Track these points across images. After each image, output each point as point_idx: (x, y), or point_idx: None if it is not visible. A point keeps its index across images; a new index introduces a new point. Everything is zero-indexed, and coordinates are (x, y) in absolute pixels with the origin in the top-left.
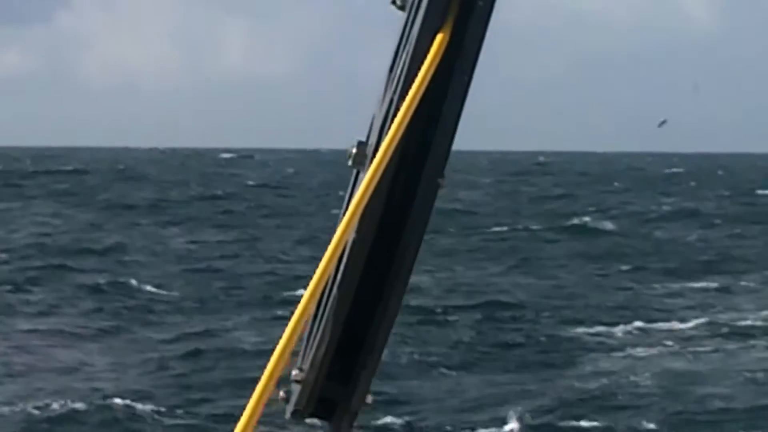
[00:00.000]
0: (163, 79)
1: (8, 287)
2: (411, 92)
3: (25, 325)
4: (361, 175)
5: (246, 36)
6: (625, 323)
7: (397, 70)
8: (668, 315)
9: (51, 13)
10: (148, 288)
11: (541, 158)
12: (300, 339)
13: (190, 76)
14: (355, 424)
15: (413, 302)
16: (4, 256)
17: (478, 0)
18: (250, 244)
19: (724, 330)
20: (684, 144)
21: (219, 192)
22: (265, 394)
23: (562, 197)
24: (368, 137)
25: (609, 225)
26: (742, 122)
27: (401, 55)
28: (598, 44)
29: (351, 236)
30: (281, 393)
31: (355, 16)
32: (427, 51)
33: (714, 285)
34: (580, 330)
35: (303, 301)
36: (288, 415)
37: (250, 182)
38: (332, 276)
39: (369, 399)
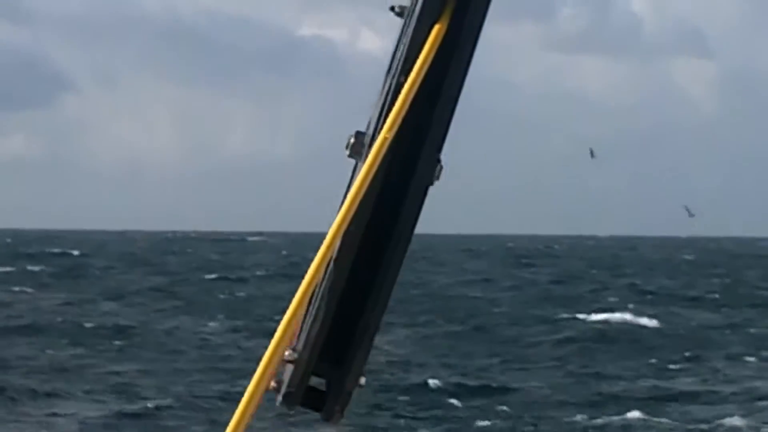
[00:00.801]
0: (167, 162)
1: None
2: (408, 83)
3: None
4: (359, 165)
5: (249, 120)
6: None
7: (394, 63)
8: None
9: (55, 98)
10: None
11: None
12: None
13: (194, 160)
14: (347, 408)
15: None
16: None
17: None
18: None
19: None
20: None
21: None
22: (263, 383)
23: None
24: (367, 128)
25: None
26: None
27: (399, 48)
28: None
29: (347, 223)
30: (272, 383)
31: (353, 106)
32: (424, 42)
33: None
34: None
35: (300, 291)
36: (279, 400)
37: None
38: (328, 262)
39: (362, 380)
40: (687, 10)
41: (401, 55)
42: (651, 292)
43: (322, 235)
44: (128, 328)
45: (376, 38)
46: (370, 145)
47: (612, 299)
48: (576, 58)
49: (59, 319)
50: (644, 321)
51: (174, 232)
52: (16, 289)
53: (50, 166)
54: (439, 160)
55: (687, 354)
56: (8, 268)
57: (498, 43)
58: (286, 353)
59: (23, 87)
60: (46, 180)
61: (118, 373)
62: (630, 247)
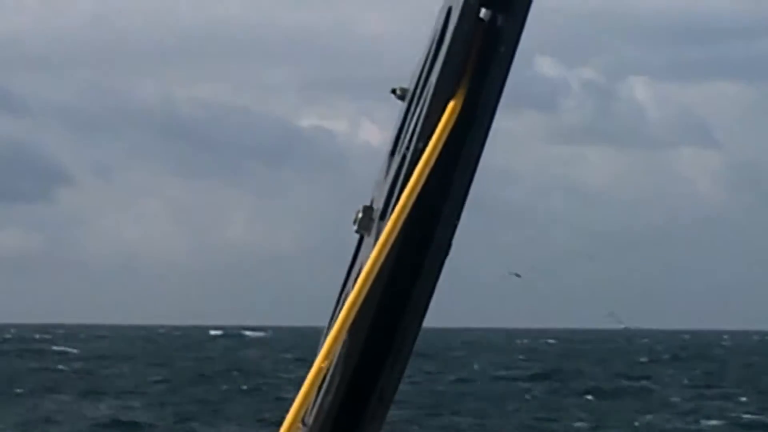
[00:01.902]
0: (163, 256)
1: None
2: (423, 158)
3: None
4: (366, 239)
5: (248, 213)
6: None
7: (399, 143)
8: None
9: (52, 192)
10: None
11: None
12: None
13: (192, 253)
14: None
15: None
16: None
17: (492, 68)
18: None
19: None
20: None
21: None
22: None
23: None
24: (372, 202)
25: None
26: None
27: (403, 129)
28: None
29: (363, 296)
30: None
31: (353, 200)
32: (440, 118)
33: None
34: None
35: (314, 366)
36: None
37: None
38: (342, 337)
39: None
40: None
41: (414, 131)
42: None
43: (322, 330)
44: None
45: (376, 129)
46: (380, 219)
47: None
48: (579, 149)
49: None
50: None
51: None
52: None
53: (45, 260)
54: (453, 233)
55: None
56: None
57: (500, 131)
58: (300, 426)
59: (16, 179)
60: (41, 274)
61: None
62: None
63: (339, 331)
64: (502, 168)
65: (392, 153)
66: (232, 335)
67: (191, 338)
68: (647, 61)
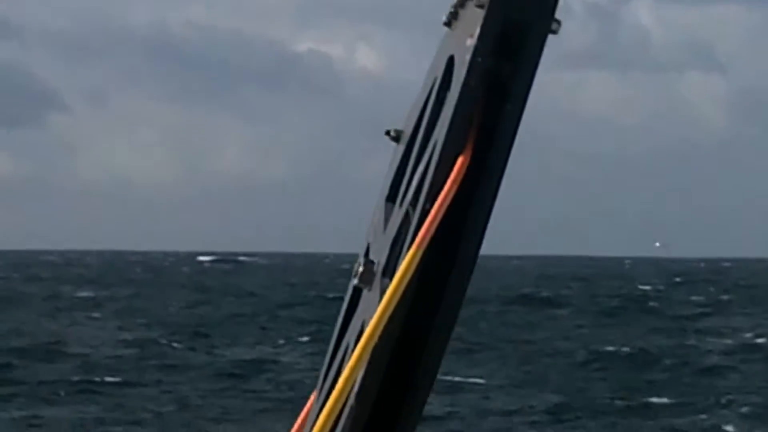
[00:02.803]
0: (156, 181)
1: None
2: (428, 220)
3: None
4: (367, 293)
5: (241, 139)
6: None
7: (409, 189)
8: None
9: (44, 117)
10: None
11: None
12: None
13: (184, 179)
14: None
15: None
16: None
17: (501, 124)
18: None
19: None
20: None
21: None
22: None
23: None
24: (368, 250)
25: None
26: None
27: (414, 180)
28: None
29: (374, 341)
30: None
31: (348, 128)
32: (452, 165)
33: None
34: None
35: (331, 401)
36: None
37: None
38: (352, 388)
39: None
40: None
41: (421, 189)
42: None
43: (313, 256)
44: None
45: (374, 54)
46: (383, 276)
47: None
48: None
49: None
50: None
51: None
52: None
53: (37, 185)
54: (466, 288)
55: None
56: None
57: None
58: None
59: (8, 104)
60: (34, 199)
61: None
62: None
63: (341, 393)
64: None
65: (390, 200)
66: (227, 261)
67: (186, 263)
68: None
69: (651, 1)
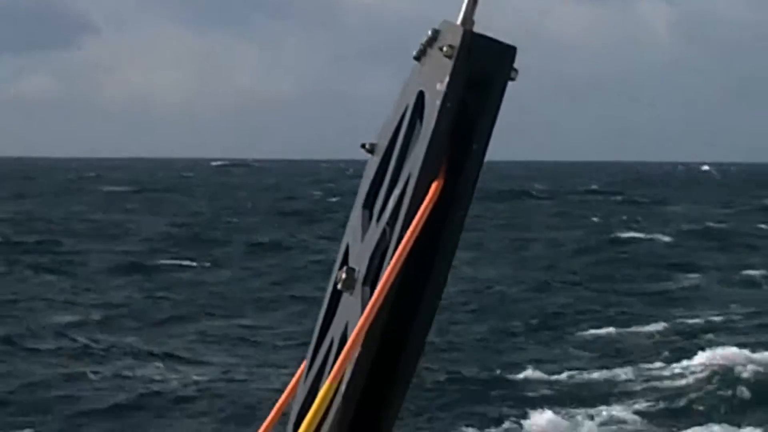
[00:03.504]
0: (175, 97)
1: None
2: (409, 232)
3: None
4: (347, 296)
5: (253, 60)
6: None
7: (386, 206)
8: None
9: (76, 40)
10: None
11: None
12: None
13: (201, 95)
14: None
15: None
16: None
17: (469, 158)
18: None
19: None
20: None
21: None
22: None
23: None
24: (346, 261)
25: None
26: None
27: (391, 197)
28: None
29: (354, 359)
30: None
31: (346, 53)
32: (424, 196)
33: None
34: None
35: (309, 417)
36: None
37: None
38: (338, 389)
39: None
40: None
41: (398, 213)
42: None
43: (312, 162)
44: None
45: None
46: (363, 284)
47: None
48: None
49: None
50: None
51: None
52: None
53: (68, 103)
54: (439, 301)
55: None
56: None
57: None
58: None
59: (44, 28)
60: (65, 115)
61: None
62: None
63: (327, 393)
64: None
65: (367, 207)
66: (239, 164)
67: (201, 167)
68: None
69: None
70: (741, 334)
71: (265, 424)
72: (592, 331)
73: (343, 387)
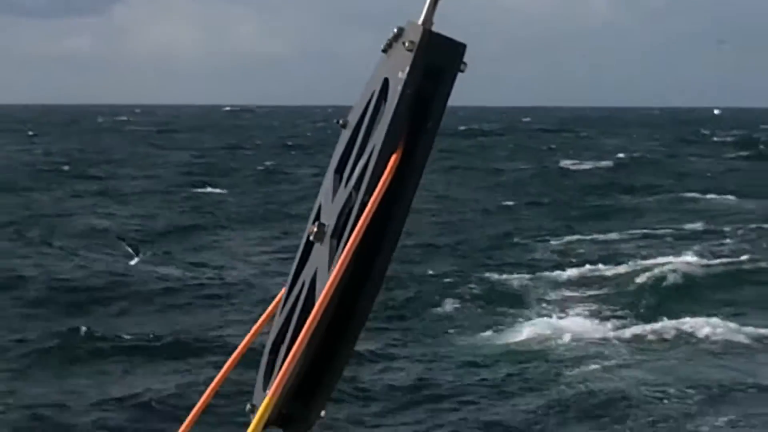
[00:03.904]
0: (191, 55)
1: None
2: (372, 198)
3: None
4: (318, 246)
5: (253, 23)
6: None
7: (353, 172)
8: None
9: (108, 8)
10: None
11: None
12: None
13: (211, 53)
14: None
15: None
16: None
17: (424, 134)
18: None
19: None
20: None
21: None
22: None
23: None
24: (318, 216)
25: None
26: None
27: (357, 166)
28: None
29: (326, 304)
30: (248, 405)
31: (332, 17)
32: (385, 167)
33: None
34: None
35: (285, 365)
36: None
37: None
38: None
39: (323, 413)
40: None
41: (362, 180)
42: None
43: (306, 108)
44: None
45: None
46: (332, 237)
47: None
48: None
49: None
50: None
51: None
52: None
53: (102, 59)
54: (391, 255)
55: None
56: None
57: None
58: (264, 393)
59: None
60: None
61: None
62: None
63: (301, 344)
64: None
65: (338, 172)
66: (245, 110)
67: (215, 111)
68: None
69: None
70: (668, 246)
71: (241, 345)
72: (553, 242)
73: (315, 322)
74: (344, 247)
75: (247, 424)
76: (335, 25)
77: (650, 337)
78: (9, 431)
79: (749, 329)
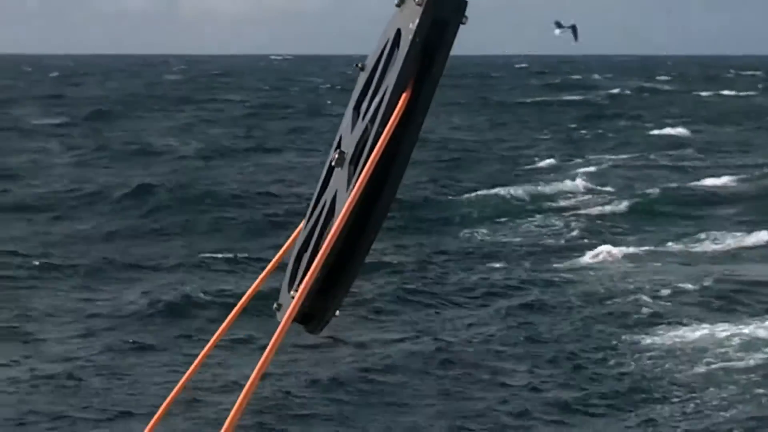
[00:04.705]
0: (235, 8)
1: None
2: (385, 130)
3: None
4: (338, 170)
5: None
6: None
7: (369, 107)
8: None
9: None
10: None
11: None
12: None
13: (254, 7)
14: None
15: None
16: None
17: (429, 79)
18: None
19: None
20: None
21: None
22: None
23: None
24: (339, 146)
25: None
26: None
27: (373, 103)
28: None
29: (341, 227)
30: (275, 304)
31: None
32: (396, 104)
33: None
34: None
35: (312, 270)
36: (279, 318)
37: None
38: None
39: (337, 313)
40: None
41: (377, 114)
42: None
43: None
44: None
45: None
46: (350, 163)
47: None
48: None
49: None
50: None
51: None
52: None
53: (157, 15)
54: (398, 185)
55: None
56: None
57: None
58: (291, 292)
59: None
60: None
61: None
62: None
63: (325, 250)
64: None
65: (356, 109)
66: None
67: (263, 60)
68: None
69: None
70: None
71: (275, 258)
72: (548, 161)
73: (336, 234)
74: (361, 171)
75: (275, 322)
76: None
77: None
78: None
79: None
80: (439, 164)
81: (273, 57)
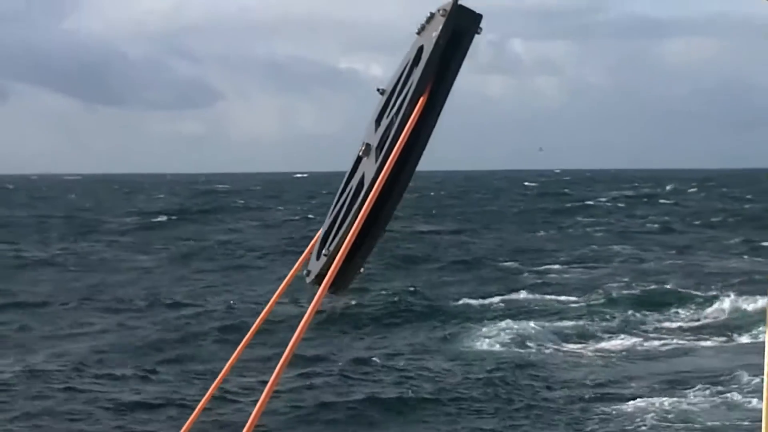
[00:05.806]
0: (271, 138)
1: None
2: (407, 125)
3: None
4: (366, 160)
5: (311, 112)
6: None
7: (390, 114)
8: None
9: (213, 102)
10: None
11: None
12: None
13: (287, 138)
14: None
15: None
16: None
17: (447, 72)
18: None
19: None
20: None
21: None
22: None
23: None
24: (368, 139)
25: None
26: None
27: (392, 109)
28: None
29: (367, 211)
30: (305, 271)
31: None
32: (417, 102)
33: None
34: None
35: (344, 246)
36: (310, 280)
37: None
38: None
39: (362, 270)
40: None
41: (397, 114)
42: None
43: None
44: None
45: None
46: (376, 153)
47: None
48: None
49: None
50: None
51: None
52: None
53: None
54: (413, 171)
55: None
56: None
57: None
58: (323, 251)
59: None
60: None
61: None
62: None
63: (357, 228)
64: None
65: (377, 122)
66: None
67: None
68: None
69: None
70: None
71: (309, 247)
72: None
73: (367, 211)
74: (389, 156)
75: (306, 284)
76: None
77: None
78: None
79: None
80: None
81: (297, 175)
